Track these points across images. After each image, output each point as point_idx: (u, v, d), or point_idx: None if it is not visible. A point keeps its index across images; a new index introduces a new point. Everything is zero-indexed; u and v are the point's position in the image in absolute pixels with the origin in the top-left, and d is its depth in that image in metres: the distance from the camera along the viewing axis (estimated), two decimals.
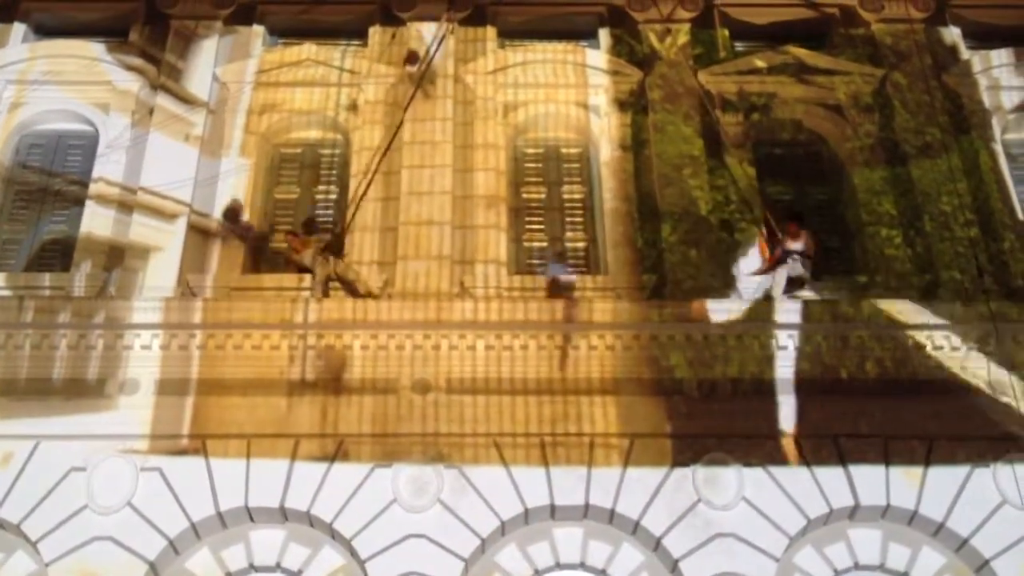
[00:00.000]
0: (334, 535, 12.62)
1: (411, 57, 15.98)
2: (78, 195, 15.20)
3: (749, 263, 14.49)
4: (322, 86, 16.17)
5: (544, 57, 16.42)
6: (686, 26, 16.74)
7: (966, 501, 12.66)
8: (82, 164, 15.55)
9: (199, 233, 14.63)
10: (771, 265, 14.26)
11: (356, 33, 16.94)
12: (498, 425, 13.10)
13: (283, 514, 12.69)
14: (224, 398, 13.17)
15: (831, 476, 12.79)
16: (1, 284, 14.09)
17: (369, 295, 13.91)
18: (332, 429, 13.04)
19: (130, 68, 15.93)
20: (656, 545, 12.54)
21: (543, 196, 15.74)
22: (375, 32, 16.78)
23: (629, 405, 13.23)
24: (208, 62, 16.16)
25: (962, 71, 16.37)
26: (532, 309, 13.67)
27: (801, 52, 16.41)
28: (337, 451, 12.89)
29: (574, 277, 14.41)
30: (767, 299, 13.92)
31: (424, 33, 16.31)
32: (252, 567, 12.71)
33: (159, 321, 13.42)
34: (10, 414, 12.98)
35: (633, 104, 15.99)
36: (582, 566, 12.76)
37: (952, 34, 16.84)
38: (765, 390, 13.33)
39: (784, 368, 13.42)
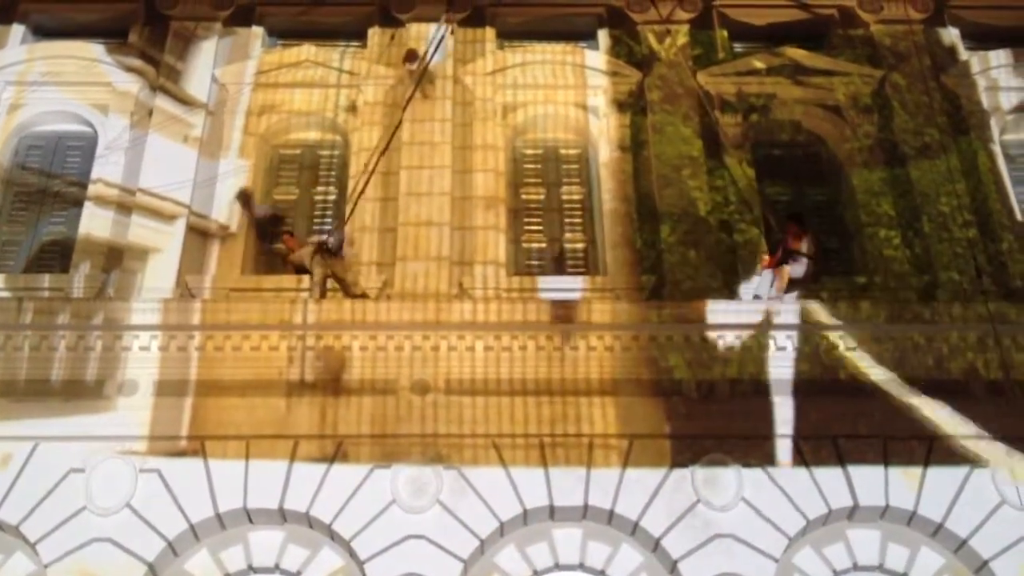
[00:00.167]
0: (333, 536, 12.62)
1: (410, 55, 15.98)
2: (77, 196, 15.19)
3: (752, 287, 14.28)
4: (321, 87, 16.17)
5: (543, 58, 16.43)
6: (685, 27, 16.74)
7: (965, 502, 12.66)
8: (81, 165, 15.54)
9: (198, 234, 14.63)
10: (773, 264, 14.16)
11: (355, 34, 16.94)
12: (497, 426, 13.09)
13: (282, 515, 12.69)
14: (223, 399, 13.17)
15: (830, 477, 12.79)
16: (0, 285, 14.09)
17: (363, 296, 13.91)
18: (331, 430, 13.04)
19: (129, 69, 15.93)
20: (655, 546, 12.54)
21: (542, 197, 15.74)
22: (374, 33, 16.78)
23: (628, 406, 13.23)
24: (207, 63, 16.17)
25: (961, 72, 16.38)
26: (531, 310, 13.67)
27: (800, 53, 16.41)
28: (336, 452, 12.89)
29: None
30: (759, 299, 13.93)
31: (428, 34, 16.29)
32: (251, 568, 12.70)
33: (158, 322, 13.41)
34: (9, 415, 12.97)
35: (632, 105, 15.99)
36: (581, 567, 12.75)
37: (951, 35, 16.85)
38: (764, 391, 13.32)
39: (783, 369, 13.42)
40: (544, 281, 14.43)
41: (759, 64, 16.34)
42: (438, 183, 14.99)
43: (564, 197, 15.73)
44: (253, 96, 16.02)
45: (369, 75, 16.14)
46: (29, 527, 12.38)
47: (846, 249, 15.10)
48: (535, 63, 16.37)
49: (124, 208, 14.67)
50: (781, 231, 14.45)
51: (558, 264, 15.04)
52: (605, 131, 15.82)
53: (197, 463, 12.78)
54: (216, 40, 16.45)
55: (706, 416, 13.21)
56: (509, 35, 16.97)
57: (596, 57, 16.49)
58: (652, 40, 16.57)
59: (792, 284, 14.10)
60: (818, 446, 13.00)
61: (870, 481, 12.75)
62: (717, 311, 13.62)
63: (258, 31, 16.81)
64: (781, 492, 12.71)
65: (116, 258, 14.28)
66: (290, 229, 14.83)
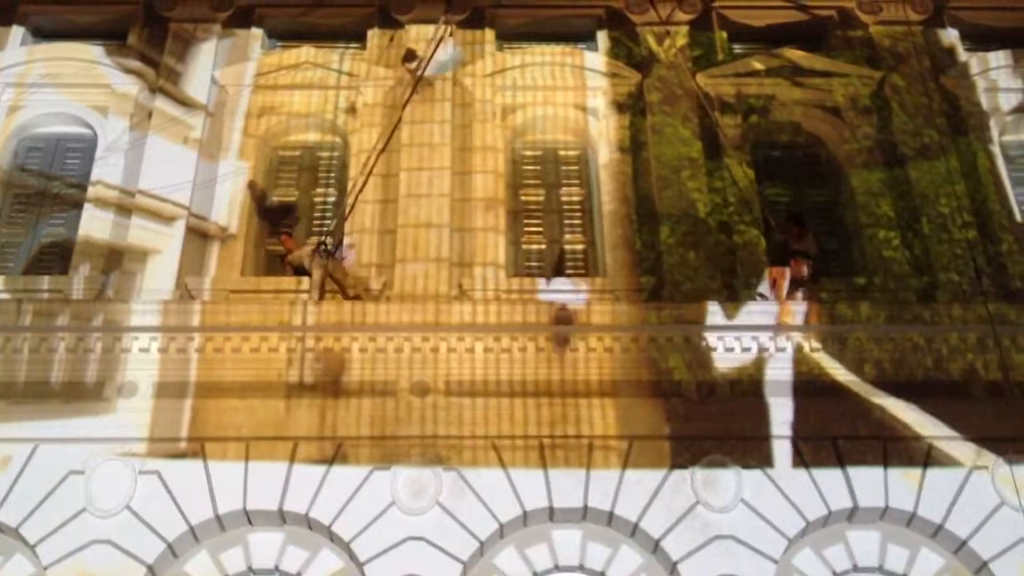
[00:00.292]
0: (333, 538, 12.62)
1: (409, 55, 15.98)
2: (76, 198, 15.20)
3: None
4: (320, 89, 16.18)
5: (542, 59, 16.43)
6: (684, 28, 16.75)
7: (965, 502, 12.66)
8: (81, 167, 15.55)
9: (198, 236, 14.63)
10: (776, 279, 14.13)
11: (354, 36, 16.94)
12: (496, 427, 13.10)
13: (282, 517, 12.69)
14: (222, 401, 13.17)
15: (830, 478, 12.79)
16: (0, 287, 14.09)
17: (356, 298, 13.91)
18: (331, 432, 13.04)
19: (129, 71, 15.94)
20: (655, 547, 12.54)
21: (541, 198, 15.74)
22: (373, 35, 16.78)
23: (628, 407, 13.23)
24: (207, 65, 16.17)
25: (960, 73, 16.39)
26: (530, 311, 13.67)
27: (799, 54, 16.42)
28: (336, 454, 12.89)
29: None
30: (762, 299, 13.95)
31: (427, 36, 16.29)
32: (251, 570, 12.70)
33: (157, 324, 13.42)
34: (9, 417, 12.98)
35: (631, 106, 16.00)
36: (581, 568, 12.75)
37: (950, 36, 16.86)
38: (763, 392, 13.32)
39: (782, 370, 13.42)
40: (543, 283, 14.41)
41: (758, 65, 16.35)
42: (437, 185, 15.00)
43: (563, 199, 15.73)
44: (253, 98, 16.03)
45: (368, 77, 16.15)
46: (29, 529, 12.39)
47: (845, 250, 15.10)
48: (534, 65, 16.38)
49: (124, 210, 14.68)
50: (781, 232, 14.46)
51: (558, 266, 15.02)
52: (604, 132, 15.82)
53: (197, 465, 12.78)
54: (215, 42, 16.46)
55: (706, 417, 13.21)
56: (508, 37, 16.98)
57: (595, 58, 16.50)
58: (651, 41, 16.57)
59: (795, 284, 14.09)
60: (818, 447, 13.00)
61: (870, 482, 12.76)
62: (716, 313, 13.64)
63: (257, 33, 16.81)
64: (781, 493, 12.71)
65: (116, 260, 14.28)
66: (299, 217, 14.80)
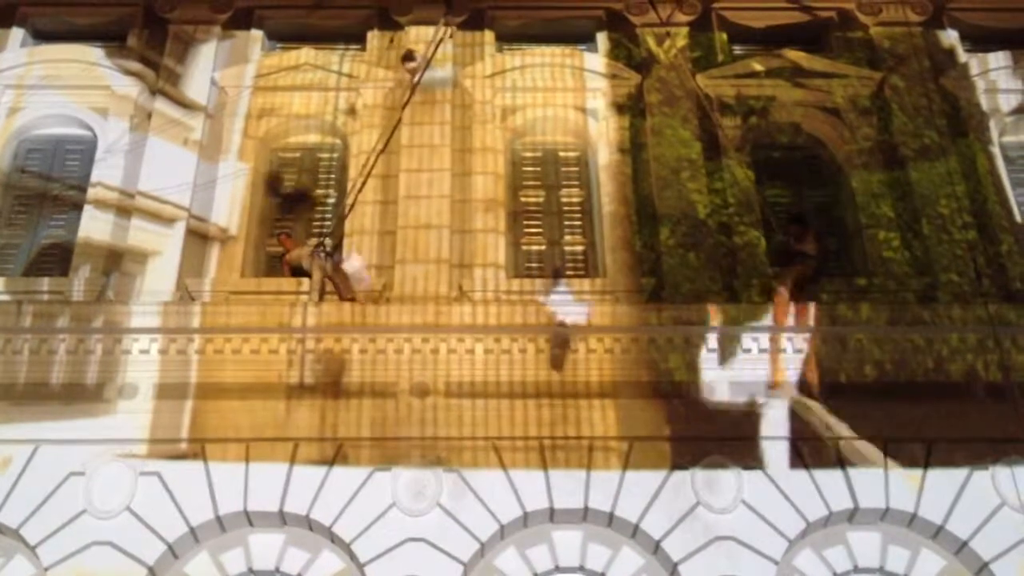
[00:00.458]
0: (333, 539, 12.61)
1: (408, 55, 15.98)
2: (76, 199, 15.19)
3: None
4: (320, 90, 16.18)
5: (542, 61, 16.44)
6: (684, 30, 16.75)
7: (965, 503, 12.66)
8: (80, 168, 15.55)
9: (198, 237, 14.63)
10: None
11: (354, 37, 16.95)
12: (497, 429, 13.10)
13: (282, 518, 12.69)
14: (223, 402, 13.17)
15: (830, 479, 12.79)
16: (0, 288, 14.08)
17: (353, 300, 13.90)
18: (331, 433, 13.04)
19: (128, 72, 15.94)
20: (655, 548, 12.53)
21: (541, 200, 15.74)
22: (373, 36, 16.79)
23: (628, 408, 13.23)
24: (207, 66, 16.17)
25: (960, 74, 16.39)
26: (530, 312, 13.67)
27: (799, 55, 16.42)
28: (336, 455, 12.89)
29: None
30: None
31: (426, 37, 16.30)
32: (251, 571, 12.68)
33: (158, 325, 13.42)
34: (9, 419, 12.97)
35: (631, 107, 16.00)
36: (581, 569, 12.74)
37: (950, 37, 16.86)
38: (764, 392, 13.33)
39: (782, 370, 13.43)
40: (543, 284, 14.41)
41: (758, 66, 16.36)
42: (437, 186, 15.00)
43: (563, 200, 15.73)
44: (252, 99, 16.03)
45: (368, 78, 16.16)
46: (29, 530, 12.38)
47: (846, 251, 15.10)
48: (534, 66, 16.38)
49: (124, 211, 14.68)
50: (781, 233, 14.45)
51: (557, 273, 15.02)
52: (604, 134, 15.83)
53: (197, 466, 12.77)
54: (215, 43, 16.46)
55: (706, 418, 13.20)
56: (508, 38, 16.98)
57: (595, 60, 16.50)
58: (651, 43, 16.58)
59: (796, 284, 14.06)
60: (818, 448, 13.00)
61: (870, 483, 12.75)
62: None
63: (257, 34, 16.81)
64: (781, 494, 12.70)
65: (116, 261, 14.29)
66: (314, 203, 14.84)
